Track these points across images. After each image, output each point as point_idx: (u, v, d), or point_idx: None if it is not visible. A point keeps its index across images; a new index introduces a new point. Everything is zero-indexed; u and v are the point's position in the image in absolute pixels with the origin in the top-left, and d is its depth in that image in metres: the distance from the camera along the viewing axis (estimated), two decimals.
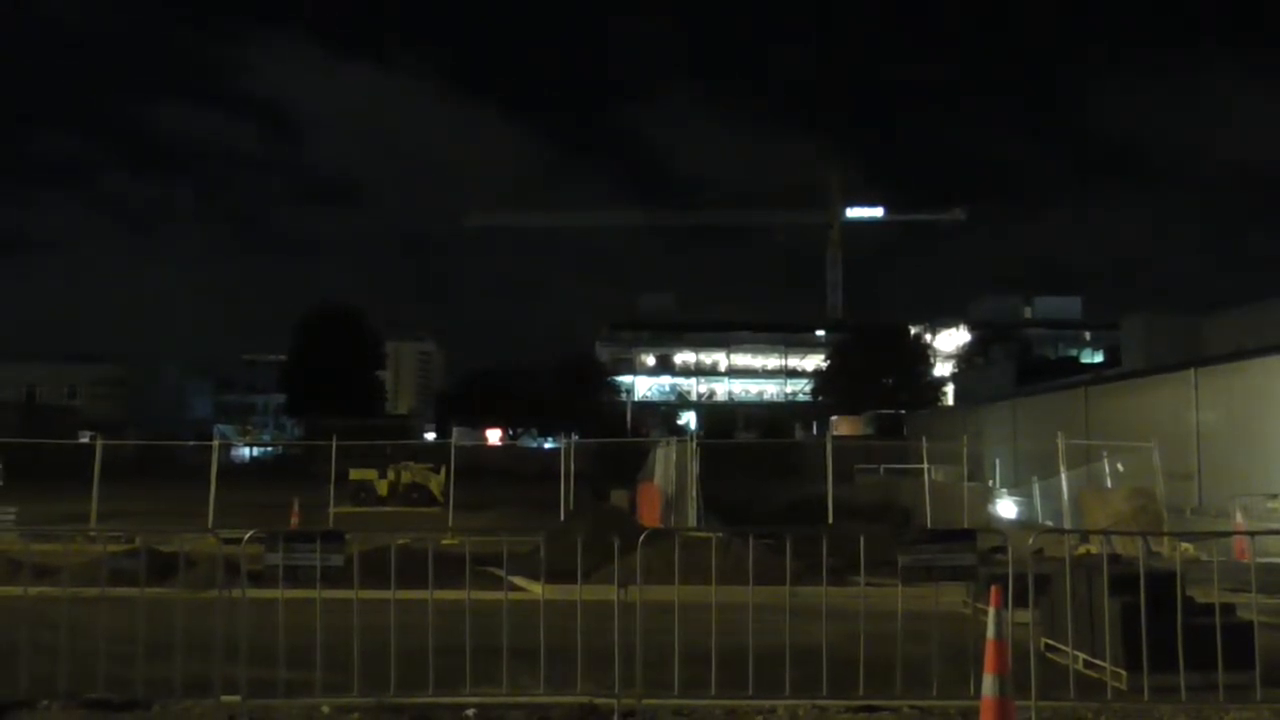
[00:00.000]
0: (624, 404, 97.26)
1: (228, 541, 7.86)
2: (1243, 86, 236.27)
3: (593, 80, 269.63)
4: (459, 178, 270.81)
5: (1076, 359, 78.57)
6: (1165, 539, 17.75)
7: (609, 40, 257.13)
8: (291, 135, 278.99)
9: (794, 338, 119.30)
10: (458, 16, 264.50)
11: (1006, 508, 27.05)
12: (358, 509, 30.97)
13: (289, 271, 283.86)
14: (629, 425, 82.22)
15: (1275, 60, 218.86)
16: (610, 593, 7.51)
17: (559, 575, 9.01)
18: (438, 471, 33.52)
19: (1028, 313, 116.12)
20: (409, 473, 34.64)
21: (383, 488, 34.21)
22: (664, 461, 23.14)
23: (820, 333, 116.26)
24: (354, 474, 33.54)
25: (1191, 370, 26.03)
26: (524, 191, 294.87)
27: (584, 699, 7.34)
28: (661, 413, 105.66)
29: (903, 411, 64.43)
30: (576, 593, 7.47)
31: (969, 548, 7.56)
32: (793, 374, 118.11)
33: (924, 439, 28.41)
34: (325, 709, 7.23)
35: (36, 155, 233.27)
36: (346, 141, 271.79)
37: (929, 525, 20.46)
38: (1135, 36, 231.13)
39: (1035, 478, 24.96)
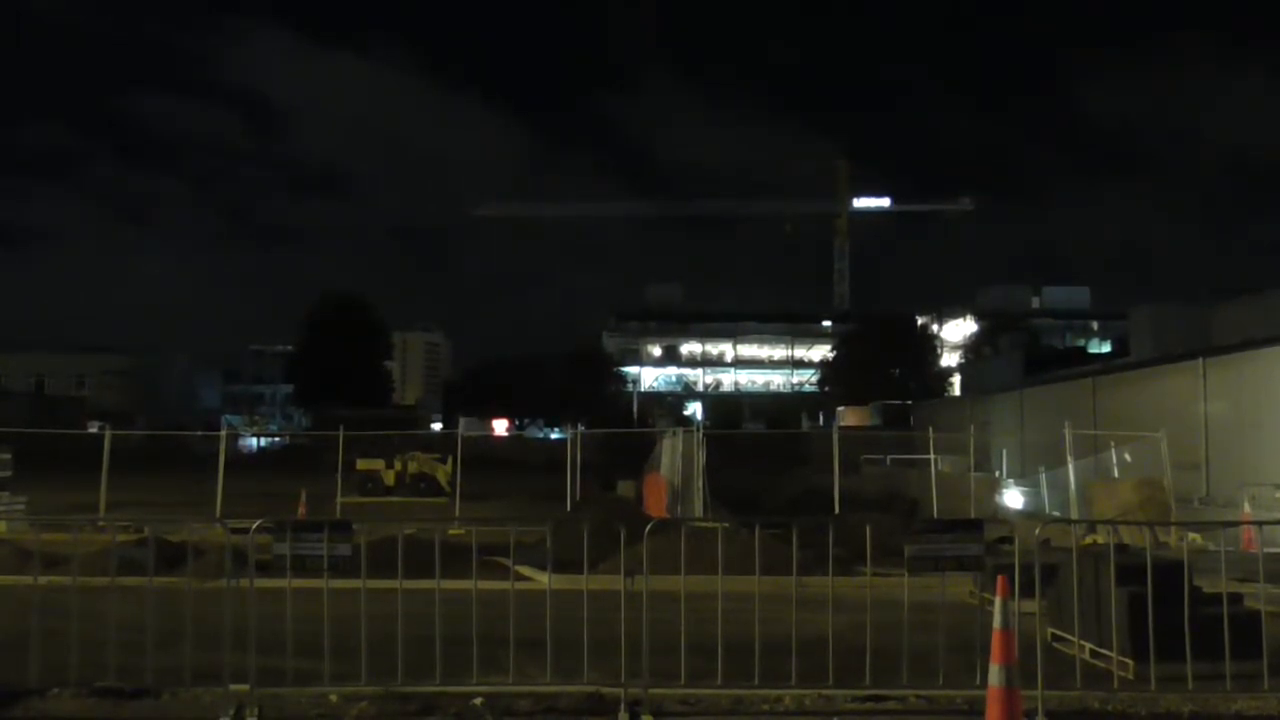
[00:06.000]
0: (630, 394, 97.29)
1: (236, 531, 7.86)
2: (1243, 76, 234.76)
3: (589, 71, 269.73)
4: (454, 169, 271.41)
5: (1084, 349, 78.15)
6: (1172, 529, 17.72)
7: (605, 30, 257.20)
8: (282, 128, 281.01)
9: (800, 328, 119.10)
10: (445, 5, 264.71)
11: (1013, 498, 26.99)
12: (365, 499, 31.01)
13: (289, 264, 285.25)
14: (635, 416, 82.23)
15: (1274, 51, 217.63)
16: (617, 583, 7.53)
17: (565, 565, 9.03)
18: (444, 462, 33.57)
19: (1035, 303, 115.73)
20: (416, 463, 34.66)
21: (390, 478, 34.25)
22: (670, 452, 23.14)
23: (827, 323, 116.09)
24: (361, 464, 33.59)
25: (1200, 360, 25.92)
26: (519, 182, 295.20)
27: (590, 688, 7.36)
28: (668, 403, 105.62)
29: (909, 402, 64.25)
30: (583, 582, 7.49)
31: (975, 538, 7.55)
32: (799, 364, 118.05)
33: (931, 429, 28.37)
34: (333, 698, 7.26)
35: (32, 148, 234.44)
36: (337, 134, 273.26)
37: (935, 515, 20.44)
38: (1135, 28, 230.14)
39: (1042, 468, 24.89)
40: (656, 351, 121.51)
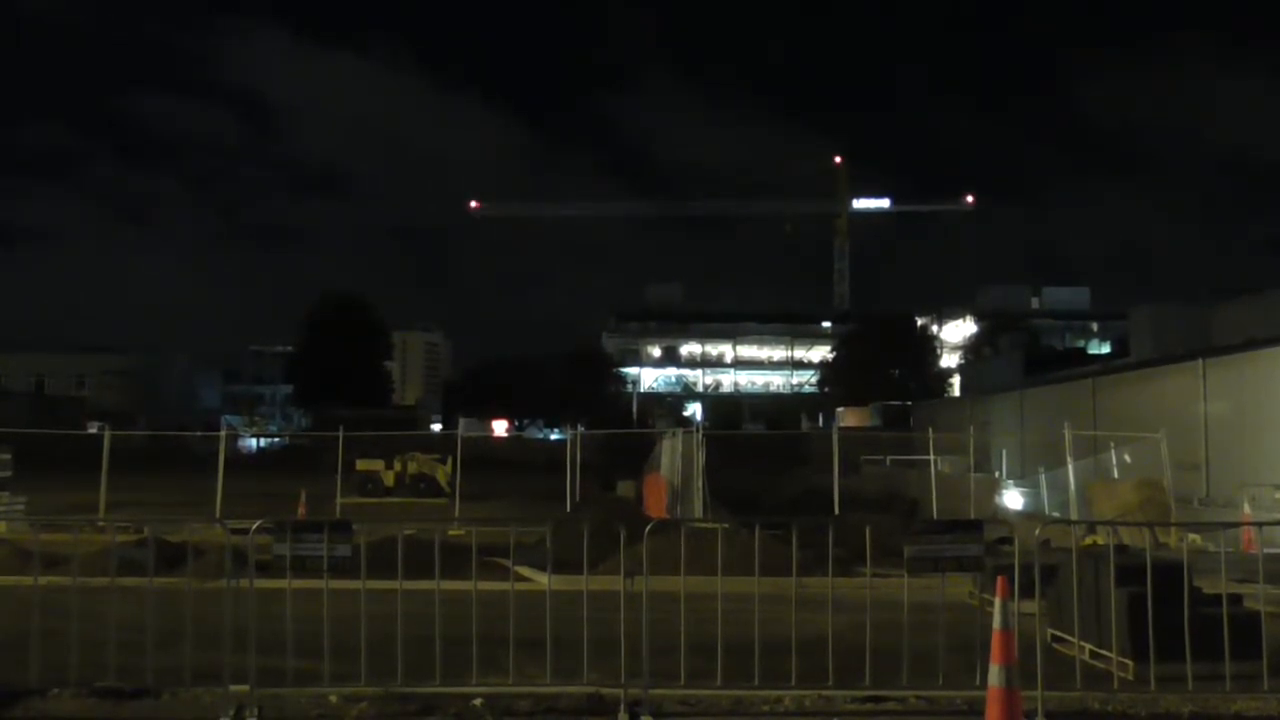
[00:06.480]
0: (630, 395, 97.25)
1: (236, 531, 7.85)
2: (1243, 76, 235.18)
3: (589, 71, 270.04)
4: (454, 169, 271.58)
5: (1084, 350, 78.18)
6: (1172, 529, 17.71)
7: (605, 30, 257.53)
8: (282, 128, 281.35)
9: (800, 329, 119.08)
10: (445, 5, 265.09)
11: (1013, 498, 26.98)
12: (364, 499, 31.00)
13: (289, 264, 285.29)
14: (635, 416, 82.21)
15: (1274, 51, 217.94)
16: (616, 583, 7.52)
17: (565, 565, 9.01)
18: (444, 462, 33.56)
19: (1035, 303, 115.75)
20: (415, 463, 34.65)
21: (389, 478, 34.21)
22: (670, 453, 23.13)
23: (827, 324, 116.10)
24: (361, 464, 33.57)
25: (1199, 361, 25.93)
26: (519, 182, 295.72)
27: (590, 689, 7.36)
28: (668, 404, 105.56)
29: (909, 402, 64.28)
30: (583, 583, 7.48)
31: (975, 538, 7.54)
32: (799, 365, 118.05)
33: (930, 430, 28.37)
34: (333, 698, 7.26)
35: (32, 148, 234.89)
36: (337, 134, 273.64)
37: (935, 516, 20.43)
38: (1135, 28, 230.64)
39: (1042, 468, 24.88)
40: (656, 352, 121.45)
